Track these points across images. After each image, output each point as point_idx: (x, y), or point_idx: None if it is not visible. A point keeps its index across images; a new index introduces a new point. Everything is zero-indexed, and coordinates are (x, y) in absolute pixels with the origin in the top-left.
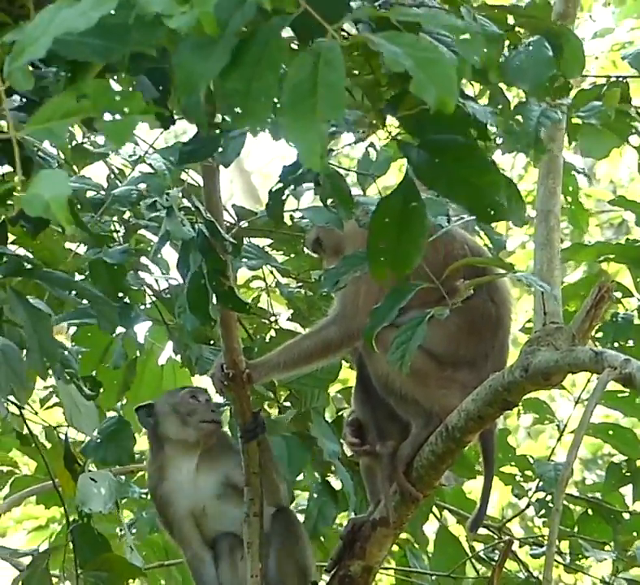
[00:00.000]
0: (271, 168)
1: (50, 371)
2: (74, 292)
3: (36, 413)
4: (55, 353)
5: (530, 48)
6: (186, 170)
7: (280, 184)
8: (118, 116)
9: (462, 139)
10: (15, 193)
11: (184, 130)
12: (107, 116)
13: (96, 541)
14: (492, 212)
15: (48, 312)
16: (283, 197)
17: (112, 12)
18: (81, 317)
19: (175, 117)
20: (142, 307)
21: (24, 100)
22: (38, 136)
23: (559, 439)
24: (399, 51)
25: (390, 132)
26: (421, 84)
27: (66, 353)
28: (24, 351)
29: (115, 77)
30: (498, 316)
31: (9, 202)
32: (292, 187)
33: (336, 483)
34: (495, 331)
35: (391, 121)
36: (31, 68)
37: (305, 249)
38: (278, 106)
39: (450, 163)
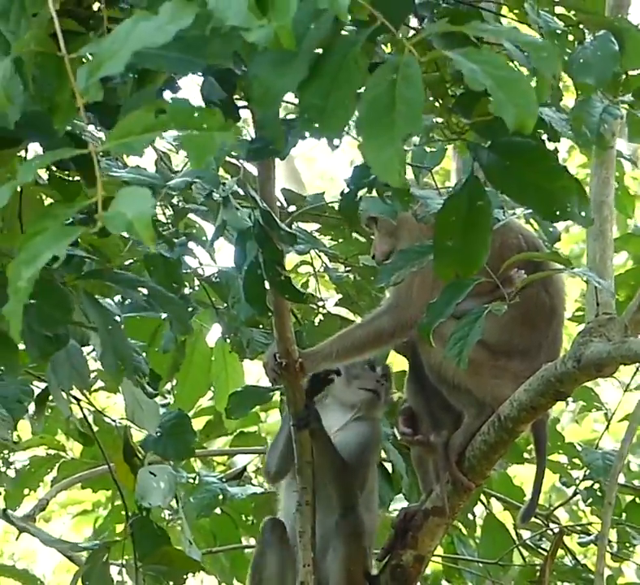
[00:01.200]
0: (315, 153)
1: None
2: (144, 293)
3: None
4: (129, 356)
5: (596, 43)
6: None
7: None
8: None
9: (533, 142)
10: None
11: None
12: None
13: (155, 534)
14: (559, 213)
15: (116, 313)
16: (357, 199)
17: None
18: (136, 310)
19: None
20: (189, 291)
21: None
22: (118, 152)
23: (607, 428)
24: (477, 69)
25: (459, 132)
26: (501, 104)
27: (137, 356)
28: (84, 348)
29: None
30: (552, 307)
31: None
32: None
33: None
34: (548, 322)
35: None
36: None
37: (362, 224)
38: (355, 120)
39: (521, 167)
